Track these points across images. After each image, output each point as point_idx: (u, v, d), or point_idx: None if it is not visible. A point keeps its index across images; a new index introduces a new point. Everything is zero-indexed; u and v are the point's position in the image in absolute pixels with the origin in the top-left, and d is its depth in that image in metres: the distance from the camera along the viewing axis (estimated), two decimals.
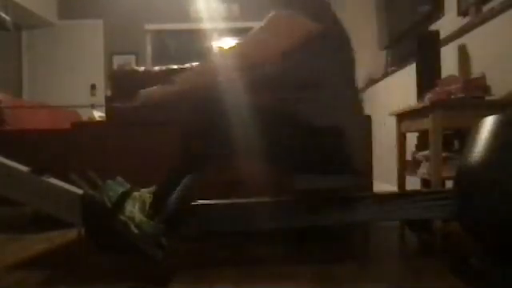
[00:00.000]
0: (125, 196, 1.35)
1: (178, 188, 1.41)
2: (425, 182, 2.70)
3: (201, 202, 1.58)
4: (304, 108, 1.50)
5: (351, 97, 1.62)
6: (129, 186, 1.45)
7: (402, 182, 2.82)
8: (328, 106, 1.51)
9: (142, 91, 1.60)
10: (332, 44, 1.54)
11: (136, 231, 1.30)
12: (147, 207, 1.39)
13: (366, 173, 1.71)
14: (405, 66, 3.80)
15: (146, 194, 1.43)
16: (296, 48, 1.49)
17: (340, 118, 1.52)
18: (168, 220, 1.37)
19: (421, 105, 2.35)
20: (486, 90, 2.22)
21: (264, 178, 1.70)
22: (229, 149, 1.45)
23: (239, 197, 1.68)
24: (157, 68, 2.59)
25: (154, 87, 1.60)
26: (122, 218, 1.31)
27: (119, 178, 1.44)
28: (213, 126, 1.44)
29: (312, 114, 1.49)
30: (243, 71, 1.50)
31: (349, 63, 1.62)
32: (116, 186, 1.40)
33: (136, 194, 1.41)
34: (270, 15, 1.53)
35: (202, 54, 6.13)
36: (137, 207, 1.36)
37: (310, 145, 1.50)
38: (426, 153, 2.45)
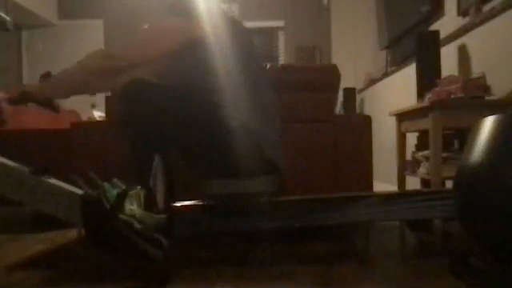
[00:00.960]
0: (122, 196, 1.35)
1: (154, 172, 1.45)
2: (425, 182, 2.70)
3: (200, 202, 1.58)
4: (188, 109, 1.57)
5: (246, 97, 1.65)
6: (124, 186, 1.45)
7: (401, 182, 2.82)
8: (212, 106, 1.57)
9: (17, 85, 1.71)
10: (203, 45, 1.61)
11: (139, 226, 1.30)
12: (142, 200, 1.39)
13: (285, 172, 1.76)
14: (405, 66, 3.80)
15: (140, 190, 1.43)
16: (175, 52, 1.59)
17: (236, 119, 1.57)
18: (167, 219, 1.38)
19: (421, 105, 2.35)
20: (486, 90, 2.22)
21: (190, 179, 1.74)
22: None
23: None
24: None
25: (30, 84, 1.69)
26: (124, 217, 1.31)
27: (114, 180, 1.44)
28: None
29: (203, 116, 1.56)
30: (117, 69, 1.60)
31: (240, 63, 1.66)
32: (111, 189, 1.40)
33: (132, 192, 1.41)
34: (152, 22, 1.70)
35: None
36: (135, 204, 1.36)
37: (208, 149, 1.58)
38: (425, 153, 2.45)
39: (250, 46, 1.77)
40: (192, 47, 1.60)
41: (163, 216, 1.36)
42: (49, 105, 1.77)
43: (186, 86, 1.60)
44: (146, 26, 1.69)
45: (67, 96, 1.73)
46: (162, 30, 1.64)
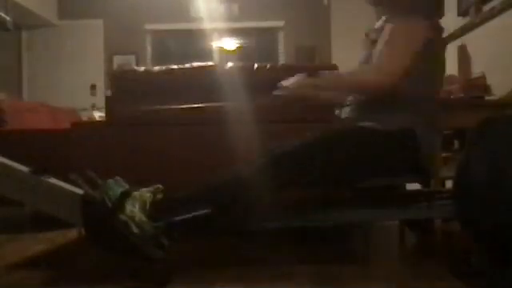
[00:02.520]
0: (125, 196, 1.35)
1: (196, 213, 1.36)
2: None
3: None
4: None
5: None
6: (127, 185, 1.45)
7: None
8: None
9: (285, 83, 1.60)
10: (439, 43, 1.54)
11: (136, 231, 1.30)
12: (147, 206, 1.38)
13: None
14: None
15: (146, 193, 1.43)
16: (417, 56, 1.46)
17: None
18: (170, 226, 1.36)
19: None
20: (486, 89, 2.22)
21: None
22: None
23: None
24: (157, 68, 2.59)
25: (298, 77, 1.60)
26: (123, 217, 1.31)
27: (118, 178, 1.44)
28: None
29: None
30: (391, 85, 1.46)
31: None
32: (115, 186, 1.40)
33: (136, 193, 1.40)
34: (392, 27, 1.52)
35: (203, 54, 6.14)
36: (137, 207, 1.36)
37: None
38: None
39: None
40: (429, 50, 1.48)
41: (162, 225, 1.34)
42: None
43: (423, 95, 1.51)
44: (390, 30, 1.51)
45: (321, 99, 1.69)
46: (409, 33, 1.48)
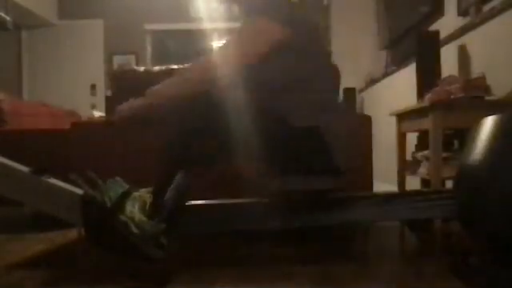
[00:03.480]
0: (125, 196, 1.35)
1: (173, 186, 1.42)
2: (425, 182, 2.70)
3: (200, 202, 1.58)
4: (282, 108, 1.52)
5: (328, 97, 1.63)
6: (127, 186, 1.45)
7: (401, 182, 2.82)
8: (306, 105, 1.53)
9: (118, 107, 1.60)
10: (301, 47, 1.55)
11: (136, 231, 1.30)
12: (147, 207, 1.39)
13: (362, 172, 1.72)
14: (405, 66, 3.80)
15: (145, 193, 1.43)
16: (269, 54, 1.51)
17: (319, 118, 1.54)
18: (167, 218, 1.37)
19: (421, 105, 2.35)
20: (486, 89, 2.22)
21: (251, 177, 1.70)
22: (216, 148, 1.50)
23: (230, 196, 1.68)
24: (157, 68, 2.59)
25: (132, 101, 1.59)
26: (123, 217, 1.31)
27: (118, 179, 1.44)
28: (200, 125, 1.46)
29: (291, 114, 1.51)
30: (218, 79, 1.51)
31: (321, 62, 1.64)
32: (116, 186, 1.40)
33: (136, 194, 1.41)
34: (241, 26, 1.58)
35: (203, 54, 6.12)
36: (137, 207, 1.36)
37: (290, 145, 1.52)
38: (425, 153, 2.45)
39: (326, 48, 1.73)
40: (283, 49, 1.52)
41: (162, 226, 1.35)
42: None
43: (273, 87, 1.55)
44: (236, 30, 1.58)
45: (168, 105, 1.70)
46: (254, 33, 1.55)
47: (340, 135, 1.59)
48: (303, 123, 1.50)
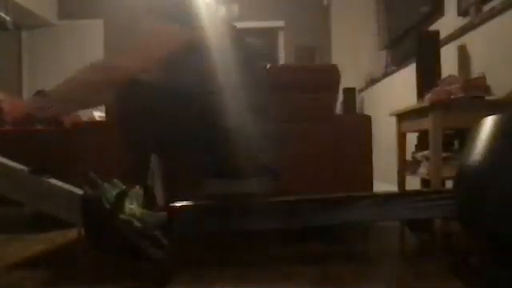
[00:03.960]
0: (122, 195, 1.36)
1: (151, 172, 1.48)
2: (425, 182, 2.70)
3: (200, 202, 1.58)
4: (190, 110, 1.56)
5: (243, 99, 1.64)
6: (124, 186, 1.45)
7: (401, 182, 2.82)
8: (231, 106, 1.57)
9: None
10: (202, 48, 1.60)
11: (139, 224, 1.30)
12: (141, 199, 1.40)
13: (283, 174, 1.74)
14: (405, 66, 3.80)
15: (139, 189, 1.44)
16: (173, 57, 1.57)
17: (242, 119, 1.57)
18: (168, 218, 1.38)
19: (421, 105, 2.35)
20: (486, 89, 2.22)
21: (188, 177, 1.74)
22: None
23: None
24: None
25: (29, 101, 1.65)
26: (124, 217, 1.31)
27: (115, 181, 1.44)
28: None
29: (215, 115, 1.55)
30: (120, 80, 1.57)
31: (232, 59, 1.67)
32: (111, 189, 1.40)
33: (131, 192, 1.41)
34: (143, 29, 1.69)
35: None
36: (135, 203, 1.37)
37: (214, 147, 1.57)
38: (425, 153, 2.45)
39: (247, 48, 1.78)
40: (190, 50, 1.59)
41: (163, 213, 1.37)
42: (53, 121, 1.75)
43: (183, 87, 1.60)
44: (142, 31, 1.69)
45: (70, 112, 1.72)
46: (159, 35, 1.62)
47: (270, 137, 1.62)
48: (231, 124, 1.54)
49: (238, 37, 1.76)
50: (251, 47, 1.81)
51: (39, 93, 1.60)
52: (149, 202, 1.39)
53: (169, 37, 1.59)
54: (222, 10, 6.26)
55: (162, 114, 1.54)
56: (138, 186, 1.42)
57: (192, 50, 1.59)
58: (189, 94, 1.58)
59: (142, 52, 1.60)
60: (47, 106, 1.58)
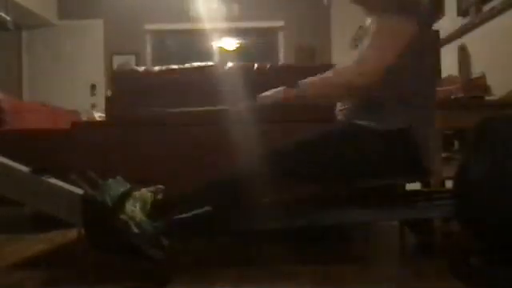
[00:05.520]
0: (125, 195, 1.35)
1: (196, 211, 1.37)
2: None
3: None
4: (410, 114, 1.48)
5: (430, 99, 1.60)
6: (129, 185, 1.45)
7: None
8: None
9: (260, 96, 1.64)
10: (425, 44, 1.53)
11: (137, 230, 1.30)
12: (148, 206, 1.39)
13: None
14: None
15: (146, 193, 1.43)
16: (401, 55, 1.46)
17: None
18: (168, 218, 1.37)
19: None
20: (486, 89, 2.22)
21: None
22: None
23: None
24: (157, 68, 2.59)
25: (277, 89, 1.62)
26: (123, 217, 1.31)
27: (119, 178, 1.44)
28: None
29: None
30: (362, 86, 1.48)
31: (432, 65, 1.65)
32: (117, 186, 1.40)
33: (137, 193, 1.41)
34: (379, 26, 1.51)
35: (203, 54, 6.13)
36: (138, 207, 1.36)
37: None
38: None
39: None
40: (415, 49, 1.48)
41: (162, 226, 1.34)
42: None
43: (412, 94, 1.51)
44: (374, 30, 1.52)
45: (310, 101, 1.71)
46: (393, 34, 1.48)
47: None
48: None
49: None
50: None
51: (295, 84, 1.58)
52: (156, 213, 1.37)
53: (408, 31, 1.45)
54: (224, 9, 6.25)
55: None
56: (144, 189, 1.41)
57: (416, 48, 1.48)
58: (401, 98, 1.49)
59: (383, 51, 1.47)
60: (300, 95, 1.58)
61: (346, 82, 1.52)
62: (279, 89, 1.62)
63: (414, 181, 1.73)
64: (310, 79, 1.58)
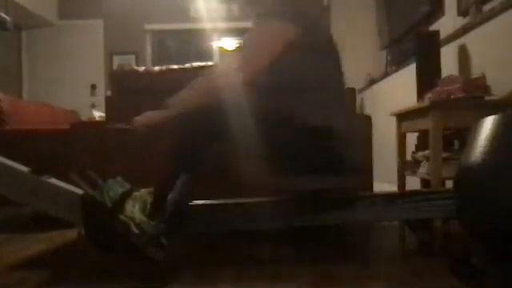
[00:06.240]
0: (125, 196, 1.35)
1: (176, 187, 1.42)
2: (425, 182, 2.70)
3: (200, 202, 1.58)
4: (297, 110, 1.52)
5: (339, 96, 1.63)
6: (129, 186, 1.45)
7: (402, 182, 2.82)
8: (317, 106, 1.53)
9: (138, 118, 1.61)
10: (313, 45, 1.56)
11: (136, 231, 1.30)
12: (148, 207, 1.39)
13: (365, 172, 1.72)
14: (405, 66, 3.80)
15: (146, 194, 1.43)
16: (282, 54, 1.51)
17: (332, 118, 1.53)
18: (169, 219, 1.38)
19: (421, 105, 2.35)
20: (486, 90, 2.22)
21: (264, 178, 1.71)
22: (222, 149, 1.50)
23: (240, 197, 1.68)
24: (157, 68, 2.59)
25: (151, 113, 1.60)
26: (123, 217, 1.31)
27: (119, 178, 1.44)
28: (210, 127, 1.46)
29: (303, 116, 1.50)
30: (239, 86, 1.51)
31: (333, 62, 1.65)
32: (116, 186, 1.40)
33: (136, 194, 1.41)
34: (253, 29, 1.61)
35: (203, 54, 6.13)
36: (137, 207, 1.36)
37: (306, 146, 1.52)
38: (425, 153, 2.45)
39: (334, 42, 1.74)
40: (294, 49, 1.53)
41: (162, 225, 1.35)
42: None
43: (283, 86, 1.55)
44: (248, 34, 1.60)
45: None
46: (268, 36, 1.55)
47: (349, 135, 1.60)
48: (313, 123, 1.50)
49: (328, 31, 1.73)
50: (335, 42, 1.78)
51: (164, 104, 1.58)
52: (156, 212, 1.37)
53: (283, 34, 1.52)
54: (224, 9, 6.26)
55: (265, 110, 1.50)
56: (143, 190, 1.42)
57: (296, 49, 1.53)
58: (290, 95, 1.53)
59: (257, 53, 1.54)
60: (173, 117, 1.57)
61: (219, 83, 1.55)
62: (149, 113, 1.61)
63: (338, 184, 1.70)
64: (180, 94, 1.58)
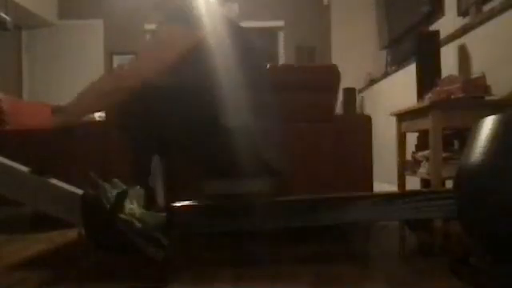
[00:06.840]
0: (122, 195, 1.36)
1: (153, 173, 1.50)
2: (425, 182, 2.70)
3: (192, 203, 1.58)
4: (202, 111, 1.57)
5: (253, 97, 1.64)
6: (124, 186, 1.45)
7: (402, 182, 2.82)
8: (223, 108, 1.57)
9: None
10: (218, 47, 1.61)
11: (139, 225, 1.30)
12: (142, 200, 1.40)
13: (287, 174, 1.74)
14: (405, 65, 3.81)
15: (139, 189, 1.44)
16: (181, 58, 1.57)
17: (240, 120, 1.57)
18: (168, 218, 1.38)
19: (421, 105, 2.36)
20: (486, 90, 2.22)
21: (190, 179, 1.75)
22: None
23: None
24: None
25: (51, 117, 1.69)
26: (124, 217, 1.31)
27: (115, 180, 1.44)
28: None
29: (220, 115, 1.55)
30: (134, 86, 1.57)
31: (245, 63, 1.67)
32: (112, 189, 1.40)
33: (132, 191, 1.41)
34: (154, 33, 1.68)
35: None
36: (135, 203, 1.37)
37: (218, 147, 1.57)
38: (425, 153, 2.46)
39: (250, 46, 1.78)
40: (193, 50, 1.59)
41: (163, 214, 1.37)
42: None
43: (185, 86, 1.60)
44: (147, 38, 1.71)
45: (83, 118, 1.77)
46: (165, 40, 1.61)
47: (272, 137, 1.62)
48: (233, 124, 1.53)
49: (240, 35, 1.76)
50: (254, 46, 1.81)
51: (58, 109, 1.64)
52: (149, 202, 1.39)
53: (181, 37, 1.58)
54: (224, 9, 6.27)
55: (164, 114, 1.55)
56: (138, 186, 1.43)
57: (196, 50, 1.59)
58: (189, 93, 1.57)
59: (155, 54, 1.59)
60: (67, 121, 1.67)
61: (114, 86, 1.62)
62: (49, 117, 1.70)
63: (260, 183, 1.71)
64: (76, 99, 1.67)
